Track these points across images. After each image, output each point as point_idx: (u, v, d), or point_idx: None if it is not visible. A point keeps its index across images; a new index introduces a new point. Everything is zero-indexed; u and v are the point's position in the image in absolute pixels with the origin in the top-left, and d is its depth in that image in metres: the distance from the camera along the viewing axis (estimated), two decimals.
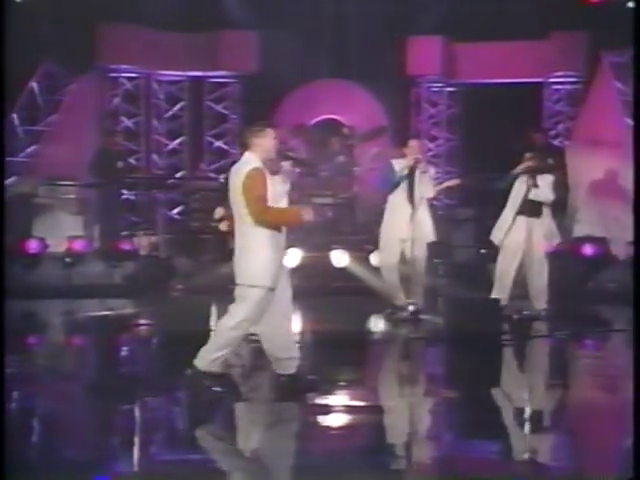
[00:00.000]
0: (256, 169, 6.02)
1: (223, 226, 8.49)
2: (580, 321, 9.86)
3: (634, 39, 8.60)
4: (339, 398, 6.40)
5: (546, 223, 9.54)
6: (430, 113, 15.07)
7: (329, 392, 6.36)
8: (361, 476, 4.80)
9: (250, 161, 6.08)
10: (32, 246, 11.52)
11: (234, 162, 6.39)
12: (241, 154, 6.23)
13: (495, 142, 12.11)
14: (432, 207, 9.78)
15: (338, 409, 6.15)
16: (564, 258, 11.03)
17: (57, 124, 13.20)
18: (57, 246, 11.72)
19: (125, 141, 14.03)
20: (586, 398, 6.60)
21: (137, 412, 6.14)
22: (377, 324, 9.58)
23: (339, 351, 7.71)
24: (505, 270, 9.50)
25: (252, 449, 5.42)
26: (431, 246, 9.58)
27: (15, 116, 12.94)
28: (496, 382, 7.02)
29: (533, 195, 9.42)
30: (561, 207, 10.35)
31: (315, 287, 10.43)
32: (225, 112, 14.97)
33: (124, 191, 13.46)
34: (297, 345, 6.24)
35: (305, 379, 6.26)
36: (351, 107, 14.14)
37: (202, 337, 6.93)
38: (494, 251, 9.88)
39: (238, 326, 6.05)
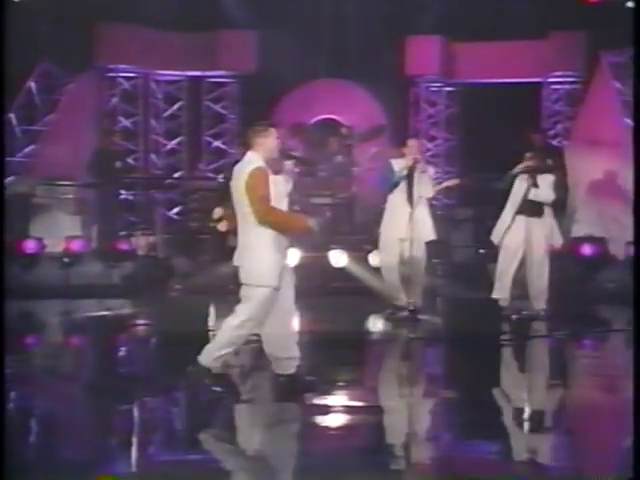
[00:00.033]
0: (259, 168, 6.01)
1: (222, 226, 8.50)
2: (579, 321, 9.84)
3: (634, 39, 8.58)
4: (338, 398, 6.39)
5: (547, 223, 9.54)
6: (429, 113, 15.06)
7: (328, 392, 6.34)
8: (360, 476, 4.79)
9: (253, 160, 6.07)
10: (30, 246, 11.50)
11: (234, 162, 6.38)
12: (243, 154, 6.23)
13: (494, 142, 12.10)
14: (431, 207, 9.76)
15: (337, 409, 6.14)
16: (562, 258, 11.01)
17: (55, 124, 13.18)
18: (55, 246, 11.70)
19: (123, 141, 14.01)
20: (585, 398, 6.58)
21: (135, 412, 6.13)
22: (376, 324, 9.56)
23: (338, 351, 7.70)
24: (505, 270, 9.49)
25: (251, 449, 5.41)
26: (430, 246, 9.57)
27: (13, 116, 12.92)
28: (495, 382, 7.00)
29: (532, 195, 9.41)
30: (560, 207, 10.33)
31: (313, 287, 10.41)
32: (224, 112, 14.96)
33: (122, 191, 13.43)
34: (297, 345, 6.22)
35: (304, 379, 6.25)
36: (350, 107, 14.13)
37: (200, 337, 6.92)
38: (493, 251, 9.87)
39: (243, 325, 6.05)
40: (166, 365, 7.34)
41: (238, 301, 6.09)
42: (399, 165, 9.38)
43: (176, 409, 6.36)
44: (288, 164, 6.49)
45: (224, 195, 8.79)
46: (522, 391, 7.01)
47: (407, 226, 9.23)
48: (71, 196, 12.51)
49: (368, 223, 11.46)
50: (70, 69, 13.22)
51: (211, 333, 8.01)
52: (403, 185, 9.35)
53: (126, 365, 8.12)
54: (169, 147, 14.88)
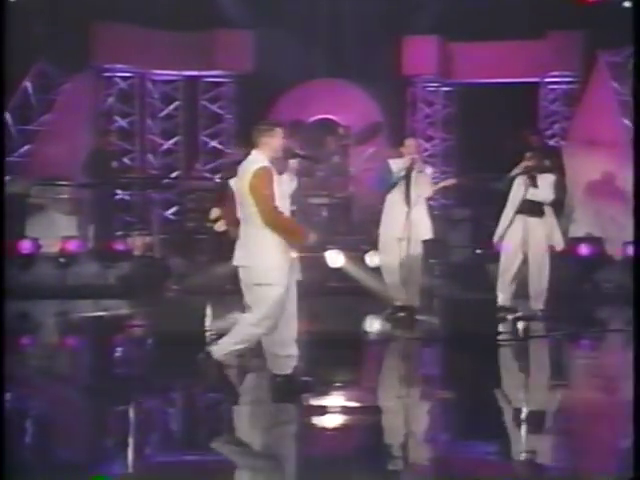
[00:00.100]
0: (263, 168, 6.00)
1: (219, 226, 8.47)
2: (576, 321, 9.83)
3: (634, 39, 8.57)
4: (335, 399, 6.38)
5: (548, 223, 9.54)
6: (426, 113, 15.04)
7: (325, 393, 6.32)
8: (358, 477, 4.77)
9: (257, 160, 6.06)
10: (26, 246, 11.48)
11: (232, 162, 6.37)
12: (244, 154, 6.21)
13: (491, 142, 12.10)
14: (429, 207, 9.74)
15: (334, 410, 6.12)
16: (560, 258, 11.00)
17: (51, 124, 13.15)
18: (51, 246, 11.67)
19: (119, 141, 13.98)
20: (584, 398, 6.57)
21: (132, 413, 6.10)
22: (373, 324, 9.54)
23: (335, 352, 7.67)
24: (507, 269, 9.52)
25: (248, 450, 5.38)
26: (427, 246, 9.55)
27: (8, 115, 12.87)
28: (493, 382, 6.98)
29: (530, 195, 9.42)
30: (558, 207, 10.33)
31: (310, 287, 10.37)
32: (220, 112, 14.93)
33: (118, 191, 13.40)
34: (296, 343, 6.20)
35: (301, 380, 6.23)
36: (347, 107, 14.11)
37: (197, 337, 6.90)
38: (491, 251, 9.87)
39: (260, 324, 6.05)
40: (163, 366, 7.31)
41: (236, 301, 6.07)
42: (397, 165, 9.37)
43: (173, 410, 6.33)
44: (292, 162, 6.48)
45: (221, 195, 8.79)
46: (520, 391, 6.99)
47: (405, 226, 9.21)
48: (67, 196, 12.47)
49: (365, 223, 11.45)
50: (66, 69, 13.19)
51: (208, 333, 8.00)
52: (401, 185, 9.34)
53: (123, 366, 8.10)
54: (165, 147, 14.85)
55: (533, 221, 9.47)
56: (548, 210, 9.57)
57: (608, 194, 12.22)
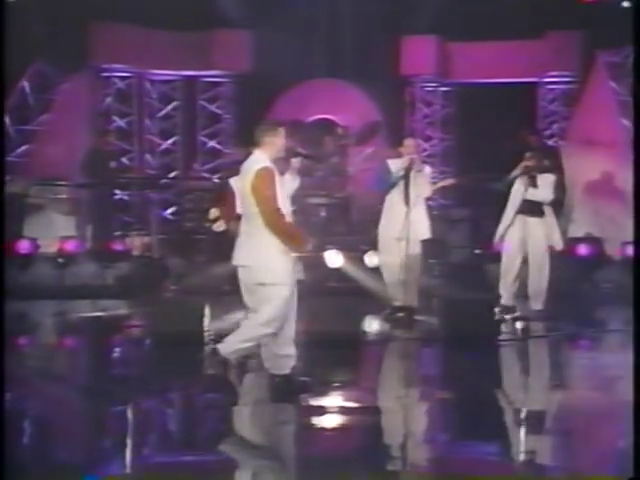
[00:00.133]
0: (265, 168, 5.99)
1: (218, 226, 8.45)
2: (575, 321, 9.82)
3: (634, 39, 8.56)
4: (334, 399, 6.36)
5: (548, 223, 9.54)
6: (424, 113, 15.04)
7: (324, 393, 6.31)
8: (357, 477, 4.76)
9: (260, 160, 6.05)
10: (24, 246, 11.46)
11: (232, 162, 6.36)
12: (245, 154, 6.19)
13: (490, 142, 12.09)
14: (428, 207, 9.73)
15: (333, 410, 6.11)
16: (559, 258, 10.99)
17: (49, 124, 13.13)
18: (49, 246, 11.65)
19: (118, 141, 13.96)
20: (583, 398, 6.56)
21: (130, 413, 6.09)
22: (372, 324, 9.53)
23: (333, 352, 7.66)
24: (508, 269, 9.53)
25: (247, 450, 5.37)
26: (426, 246, 9.54)
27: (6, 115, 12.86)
28: (492, 383, 6.97)
29: (530, 195, 9.41)
30: (557, 207, 10.32)
31: (309, 287, 10.36)
32: (219, 112, 14.92)
33: (117, 191, 13.39)
34: (294, 343, 6.19)
35: (299, 380, 6.21)
36: (345, 107, 14.10)
37: (195, 338, 6.88)
38: (489, 251, 9.86)
39: (269, 324, 6.05)
40: (161, 366, 7.30)
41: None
42: (395, 165, 9.35)
43: (171, 410, 6.32)
44: (295, 162, 6.47)
45: (220, 195, 8.77)
46: (519, 391, 6.98)
47: (404, 226, 9.20)
48: (65, 196, 12.45)
49: (364, 223, 11.43)
50: (64, 69, 13.17)
51: (206, 334, 7.98)
52: (400, 185, 9.33)
53: (121, 366, 8.09)
54: (164, 147, 14.83)
55: (533, 221, 9.47)
56: (548, 210, 9.57)
57: (607, 194, 12.22)
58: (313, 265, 11.29)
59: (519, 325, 9.22)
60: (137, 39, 13.99)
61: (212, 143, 14.88)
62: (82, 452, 5.24)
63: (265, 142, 6.09)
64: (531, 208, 9.44)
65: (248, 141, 6.25)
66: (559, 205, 10.64)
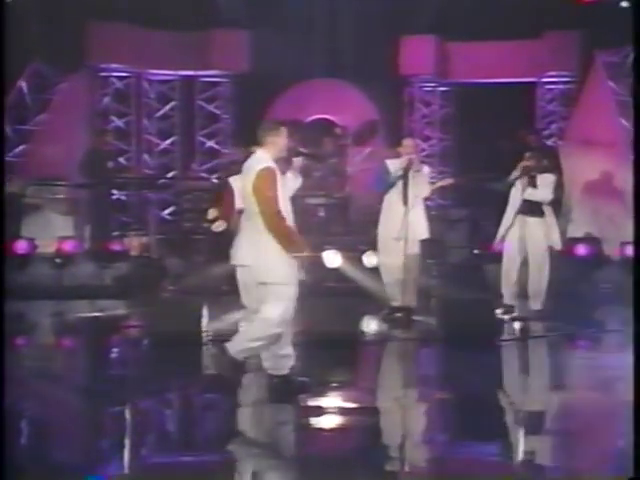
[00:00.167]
0: (267, 169, 5.98)
1: (216, 226, 8.44)
2: (574, 321, 9.81)
3: (633, 39, 8.54)
4: (332, 400, 6.35)
5: (547, 223, 9.54)
6: (423, 113, 15.04)
7: (322, 394, 6.30)
8: (355, 478, 4.75)
9: (262, 160, 6.03)
10: (21, 247, 11.43)
11: (230, 162, 6.35)
12: (246, 154, 6.18)
13: (488, 142, 12.09)
14: (426, 207, 9.72)
15: (331, 411, 6.09)
16: (557, 258, 10.99)
17: (47, 123, 13.12)
18: (47, 247, 11.64)
19: (116, 141, 13.95)
20: (583, 398, 6.55)
21: (128, 414, 6.07)
22: (370, 325, 9.52)
23: (332, 352, 7.65)
24: (509, 270, 9.54)
25: (246, 450, 5.36)
26: (425, 246, 9.53)
27: None
28: (490, 383, 6.95)
29: (529, 195, 9.41)
30: (556, 207, 10.32)
31: (308, 287, 10.34)
32: (217, 112, 14.91)
33: (115, 191, 13.38)
34: (291, 343, 6.18)
35: (298, 380, 6.20)
36: (344, 107, 14.09)
37: (193, 338, 6.86)
38: (488, 251, 9.85)
39: (279, 325, 6.04)
40: (159, 366, 7.28)
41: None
42: (394, 165, 9.34)
43: (169, 410, 6.30)
44: (296, 161, 6.46)
45: (218, 195, 8.76)
46: (518, 391, 6.97)
47: (402, 226, 9.19)
48: (63, 196, 12.44)
49: (363, 223, 11.42)
50: (62, 69, 13.16)
51: (204, 334, 7.97)
52: (398, 185, 9.31)
53: (119, 366, 8.07)
54: (162, 147, 14.82)
55: (532, 221, 9.47)
56: (547, 210, 9.56)
57: (606, 194, 12.22)
58: (312, 265, 11.30)
59: (518, 325, 9.21)
60: (135, 39, 13.97)
61: (210, 143, 14.86)
62: (81, 452, 5.23)
63: (267, 141, 6.08)
64: (531, 208, 9.44)
65: (247, 141, 6.24)
66: (558, 205, 10.64)
